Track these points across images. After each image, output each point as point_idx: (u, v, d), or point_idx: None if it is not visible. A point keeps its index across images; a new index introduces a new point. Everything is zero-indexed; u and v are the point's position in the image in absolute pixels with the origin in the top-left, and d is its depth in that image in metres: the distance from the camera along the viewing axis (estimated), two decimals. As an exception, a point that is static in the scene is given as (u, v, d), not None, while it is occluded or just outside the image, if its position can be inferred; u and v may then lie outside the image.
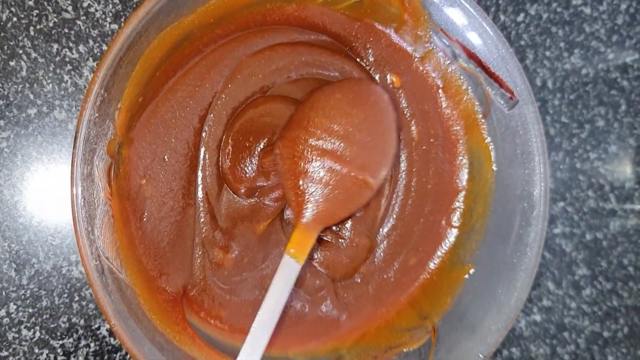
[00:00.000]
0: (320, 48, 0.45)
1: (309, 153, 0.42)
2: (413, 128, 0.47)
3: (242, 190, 0.43)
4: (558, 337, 0.57)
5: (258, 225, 0.44)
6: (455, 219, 0.48)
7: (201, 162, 0.43)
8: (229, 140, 0.44)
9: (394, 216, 0.48)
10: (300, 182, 0.42)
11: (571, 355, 0.57)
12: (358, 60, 0.46)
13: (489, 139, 0.45)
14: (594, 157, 0.58)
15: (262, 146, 0.44)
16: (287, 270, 0.40)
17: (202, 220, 0.43)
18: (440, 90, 0.46)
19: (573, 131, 0.58)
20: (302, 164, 0.42)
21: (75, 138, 0.37)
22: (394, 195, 0.47)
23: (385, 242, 0.48)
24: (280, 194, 0.44)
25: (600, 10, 0.58)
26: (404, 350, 0.45)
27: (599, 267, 0.58)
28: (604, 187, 0.58)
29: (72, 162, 0.37)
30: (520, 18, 0.57)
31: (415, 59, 0.46)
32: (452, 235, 0.48)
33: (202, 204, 0.43)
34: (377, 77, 0.46)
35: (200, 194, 0.43)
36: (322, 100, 0.42)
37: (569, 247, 0.57)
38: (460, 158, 0.47)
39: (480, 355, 0.42)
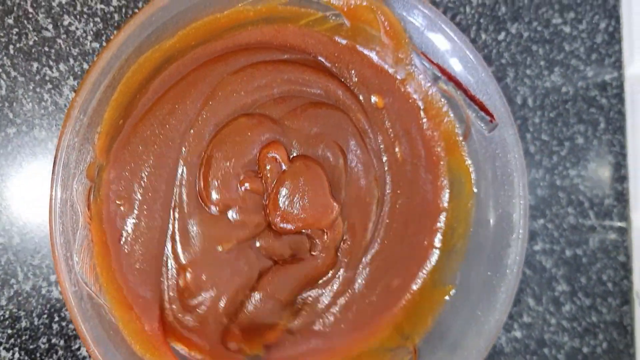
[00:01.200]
0: (303, 66, 0.45)
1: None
2: (397, 149, 0.47)
3: (214, 209, 0.43)
4: (538, 353, 0.57)
5: (225, 244, 0.44)
6: (437, 239, 0.48)
7: (178, 178, 0.43)
8: (207, 158, 0.43)
9: (379, 241, 0.48)
10: None
11: (551, 371, 0.58)
12: (342, 79, 0.46)
13: (469, 161, 0.46)
14: (574, 174, 0.58)
15: (241, 165, 0.44)
16: None
17: (169, 236, 0.43)
18: (421, 112, 0.46)
19: (553, 148, 0.58)
20: None
21: (54, 164, 0.36)
22: (380, 220, 0.48)
23: (368, 268, 0.48)
24: (251, 222, 0.44)
25: (579, 29, 0.59)
26: (387, 370, 0.45)
27: (579, 283, 0.58)
28: (584, 204, 0.59)
29: (50, 187, 0.36)
30: (501, 37, 0.57)
31: (397, 81, 0.46)
32: (434, 256, 0.48)
33: (173, 221, 0.43)
34: (360, 97, 0.46)
35: (173, 212, 0.43)
36: None
37: (549, 263, 0.58)
38: (442, 179, 0.48)
39: (461, 375, 0.43)
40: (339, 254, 0.47)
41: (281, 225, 0.45)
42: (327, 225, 0.46)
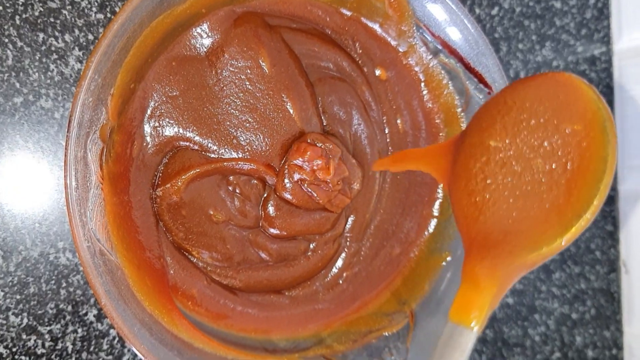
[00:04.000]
0: (313, 37, 0.46)
1: (498, 169, 0.30)
2: (399, 121, 0.48)
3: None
4: (529, 319, 0.59)
5: (217, 213, 0.44)
6: (435, 208, 0.49)
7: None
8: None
9: (381, 212, 0.49)
10: (483, 214, 0.30)
11: (541, 336, 0.59)
12: (347, 50, 0.47)
13: (467, 133, 0.47)
14: (564, 147, 0.60)
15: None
16: (463, 341, 0.30)
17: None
18: (422, 84, 0.48)
19: (544, 121, 0.60)
20: (490, 186, 0.30)
21: (70, 121, 0.37)
22: (382, 192, 0.49)
23: (371, 239, 0.49)
24: (248, 213, 0.45)
25: (570, 4, 0.60)
26: (384, 333, 0.46)
27: (568, 251, 0.60)
28: (573, 175, 0.60)
29: (65, 145, 0.37)
30: (494, 11, 0.58)
31: (399, 53, 0.47)
32: (432, 224, 0.49)
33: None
34: (365, 69, 0.47)
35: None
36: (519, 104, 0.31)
37: (539, 232, 0.59)
38: None
39: (455, 339, 0.44)
40: (342, 239, 0.48)
41: (271, 231, 0.46)
42: (328, 230, 0.47)
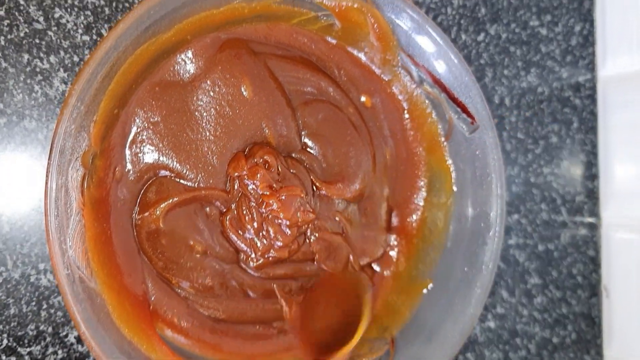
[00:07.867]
0: (296, 64, 0.46)
1: None
2: (382, 147, 0.49)
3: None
4: (510, 343, 0.59)
5: (197, 244, 0.44)
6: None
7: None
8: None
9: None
10: None
11: (522, 360, 0.60)
12: (332, 77, 0.47)
13: (450, 161, 0.47)
14: (547, 172, 0.61)
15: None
16: None
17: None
18: (405, 112, 0.48)
19: (528, 147, 0.60)
20: None
21: (51, 149, 0.37)
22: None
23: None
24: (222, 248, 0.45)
25: (555, 31, 0.61)
26: (363, 360, 0.47)
27: (550, 276, 0.60)
28: (556, 200, 0.61)
29: (46, 173, 0.37)
30: (480, 37, 0.59)
31: (384, 82, 0.47)
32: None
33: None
34: (350, 96, 0.48)
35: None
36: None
37: (522, 257, 0.60)
38: (419, 181, 0.49)
39: (436, 366, 0.45)
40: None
41: (251, 272, 0.45)
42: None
